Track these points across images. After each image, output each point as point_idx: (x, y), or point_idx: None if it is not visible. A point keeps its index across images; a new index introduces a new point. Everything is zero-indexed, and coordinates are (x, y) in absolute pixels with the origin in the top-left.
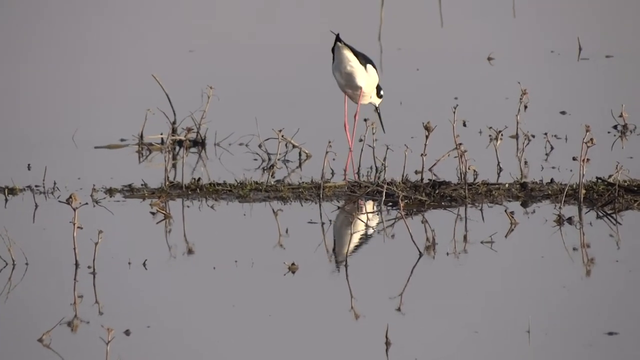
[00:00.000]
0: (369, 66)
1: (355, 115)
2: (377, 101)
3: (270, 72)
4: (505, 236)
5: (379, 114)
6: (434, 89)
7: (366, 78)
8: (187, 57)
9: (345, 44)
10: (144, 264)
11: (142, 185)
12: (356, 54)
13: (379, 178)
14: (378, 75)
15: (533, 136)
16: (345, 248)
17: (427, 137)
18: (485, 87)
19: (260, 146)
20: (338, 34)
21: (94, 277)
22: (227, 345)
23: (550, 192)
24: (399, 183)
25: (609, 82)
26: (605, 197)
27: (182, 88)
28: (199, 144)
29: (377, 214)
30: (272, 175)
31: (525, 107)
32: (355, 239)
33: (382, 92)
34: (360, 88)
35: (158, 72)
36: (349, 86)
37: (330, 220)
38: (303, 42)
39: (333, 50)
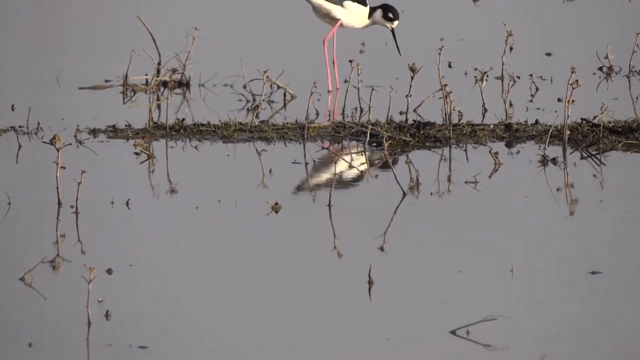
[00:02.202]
0: (346, 2)
1: (325, 39)
2: (385, 24)
3: (255, 12)
4: (490, 176)
5: (394, 36)
6: (419, 30)
7: (344, 12)
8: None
9: None
10: (127, 204)
11: (126, 125)
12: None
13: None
14: (362, 4)
15: (518, 77)
16: (329, 188)
17: (412, 78)
18: (470, 29)
19: (244, 87)
20: None
21: (77, 216)
22: (209, 283)
23: (534, 132)
24: (384, 124)
25: (595, 23)
26: (590, 138)
27: (167, 29)
28: (183, 84)
29: (362, 155)
30: (256, 116)
31: (511, 48)
32: (339, 179)
33: (390, 15)
34: (339, 20)
35: (143, 13)
36: (329, 21)
37: (314, 161)
38: None
39: None
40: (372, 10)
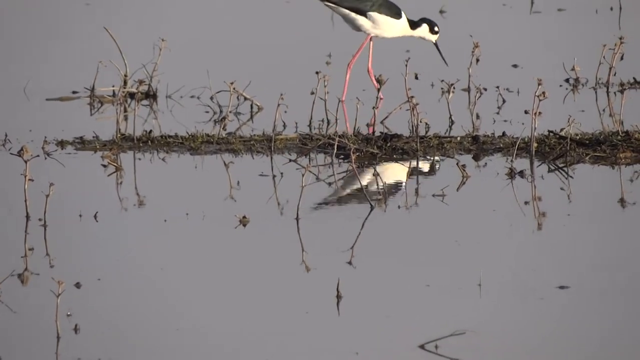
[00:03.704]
0: (371, 14)
1: (351, 61)
2: (431, 37)
3: (221, 24)
4: (457, 189)
5: (437, 49)
6: (385, 42)
7: (368, 23)
8: (138, 8)
9: (330, 2)
10: (95, 217)
11: (93, 137)
12: (349, 7)
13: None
14: (393, 16)
15: (485, 89)
16: (297, 201)
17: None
18: (437, 40)
19: (211, 98)
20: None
21: (45, 229)
22: (178, 297)
23: (502, 145)
24: (351, 136)
25: (561, 35)
26: (557, 150)
27: (134, 40)
28: (150, 96)
29: (329, 167)
30: (223, 128)
31: (477, 60)
32: (307, 192)
33: (436, 29)
34: (366, 32)
35: (110, 24)
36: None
37: (281, 173)
38: None
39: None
40: (415, 24)
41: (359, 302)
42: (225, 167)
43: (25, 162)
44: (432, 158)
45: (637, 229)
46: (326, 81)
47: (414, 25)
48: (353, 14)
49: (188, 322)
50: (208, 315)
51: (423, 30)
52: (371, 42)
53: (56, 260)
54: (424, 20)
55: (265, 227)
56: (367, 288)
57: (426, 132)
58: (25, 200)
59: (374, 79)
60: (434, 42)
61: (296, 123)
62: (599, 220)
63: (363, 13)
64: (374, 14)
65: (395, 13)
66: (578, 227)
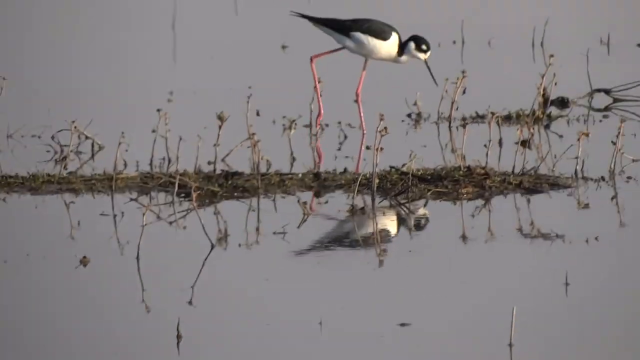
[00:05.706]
0: (353, 34)
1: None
2: (420, 56)
3: (61, 60)
4: (298, 227)
5: (427, 67)
6: (227, 78)
7: (352, 45)
8: None
9: (311, 18)
10: None
11: None
12: (325, 23)
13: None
14: (379, 38)
15: (327, 125)
16: (137, 240)
17: (220, 127)
18: (279, 76)
19: (52, 137)
20: (305, 16)
21: None
22: (18, 337)
23: (343, 181)
24: (192, 174)
25: (403, 69)
26: (399, 186)
27: None
28: None
29: (170, 206)
30: (64, 167)
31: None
32: (148, 231)
33: (423, 47)
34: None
35: None
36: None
37: (122, 212)
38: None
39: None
40: (403, 46)
41: (200, 342)
42: (66, 207)
43: None
44: (273, 196)
45: (478, 264)
46: (167, 119)
47: (401, 49)
48: (337, 34)
49: None
50: (46, 357)
51: (409, 50)
52: (365, 65)
53: None
54: (410, 38)
55: (106, 266)
56: (208, 328)
57: (267, 170)
58: None
59: (360, 105)
60: (424, 60)
61: (137, 162)
62: (441, 256)
63: (346, 33)
64: (357, 34)
65: (383, 33)
66: (419, 264)
